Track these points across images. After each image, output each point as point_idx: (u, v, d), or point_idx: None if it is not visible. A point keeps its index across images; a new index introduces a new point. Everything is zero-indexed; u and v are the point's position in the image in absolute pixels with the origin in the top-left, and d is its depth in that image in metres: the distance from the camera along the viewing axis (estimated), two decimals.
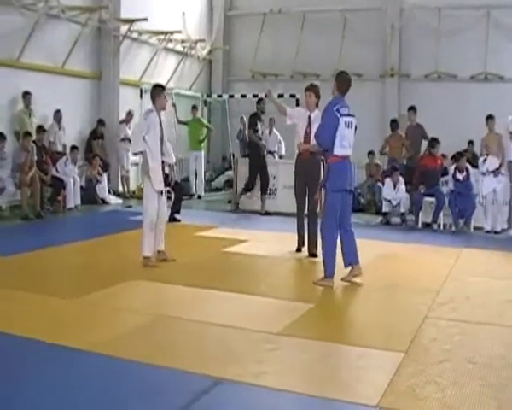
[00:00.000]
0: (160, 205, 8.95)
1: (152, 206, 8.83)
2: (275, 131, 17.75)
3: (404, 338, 5.84)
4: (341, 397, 4.57)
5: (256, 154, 14.55)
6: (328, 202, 7.90)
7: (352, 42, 19.74)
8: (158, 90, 9.08)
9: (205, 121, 19.26)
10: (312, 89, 9.80)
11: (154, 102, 8.92)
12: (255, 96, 19.07)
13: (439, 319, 6.60)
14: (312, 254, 9.67)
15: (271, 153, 17.52)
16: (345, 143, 7.77)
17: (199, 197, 17.98)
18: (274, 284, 8.16)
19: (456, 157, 13.22)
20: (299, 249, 9.98)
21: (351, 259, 7.98)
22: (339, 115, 7.71)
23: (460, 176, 12.99)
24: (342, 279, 7.96)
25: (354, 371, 5.13)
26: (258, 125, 14.54)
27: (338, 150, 7.75)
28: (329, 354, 5.47)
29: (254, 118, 14.60)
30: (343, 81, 8.02)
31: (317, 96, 9.77)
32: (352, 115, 7.93)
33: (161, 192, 8.96)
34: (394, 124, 15.14)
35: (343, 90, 7.99)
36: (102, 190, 15.88)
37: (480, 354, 5.48)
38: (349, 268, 8.06)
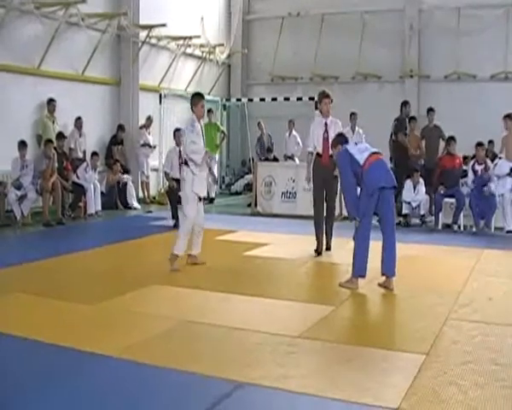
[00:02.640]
0: (199, 208, 9.06)
1: (192, 210, 8.93)
2: (294, 132, 17.81)
3: (425, 340, 5.81)
4: (362, 400, 4.56)
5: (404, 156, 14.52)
6: (365, 204, 7.73)
7: (371, 43, 19.73)
8: (195, 99, 9.24)
9: (220, 126, 19.32)
10: (328, 97, 10.12)
11: (193, 111, 9.11)
12: (274, 99, 19.15)
13: (461, 320, 6.56)
14: (328, 248, 10.16)
15: (290, 157, 17.56)
16: (363, 150, 7.85)
17: (211, 201, 17.93)
18: (295, 286, 8.17)
19: (476, 147, 13.16)
20: (319, 253, 10.00)
21: (387, 269, 7.85)
22: (345, 149, 7.91)
23: (478, 168, 12.92)
24: (379, 284, 7.92)
25: (375, 373, 5.11)
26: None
27: (363, 158, 7.74)
28: (350, 356, 5.46)
29: (404, 122, 14.58)
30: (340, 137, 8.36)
31: (332, 102, 10.13)
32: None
33: (201, 198, 9.12)
34: (413, 121, 15.05)
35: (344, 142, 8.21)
36: (129, 195, 15.97)
37: (503, 356, 5.45)
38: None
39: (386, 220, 7.84)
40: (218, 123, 19.41)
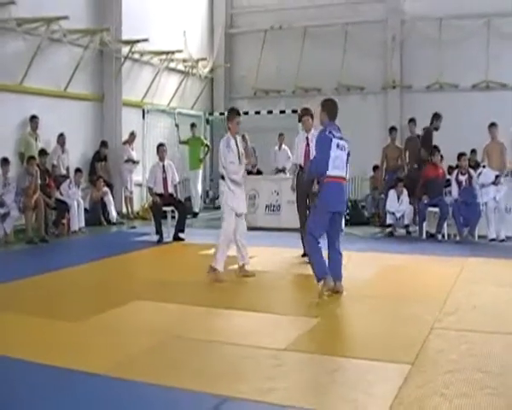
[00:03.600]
0: (238, 223, 9.19)
1: (228, 224, 9.07)
2: (284, 146, 17.86)
3: (410, 350, 5.81)
4: None
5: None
6: (316, 219, 8.08)
7: (354, 55, 19.78)
8: (230, 115, 9.50)
9: (204, 140, 19.33)
10: (308, 113, 10.43)
11: (228, 128, 9.37)
12: (257, 112, 19.17)
13: (446, 329, 6.57)
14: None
15: (282, 170, 17.60)
16: (337, 164, 7.88)
17: (195, 215, 17.95)
18: (279, 299, 8.17)
19: (458, 157, 13.24)
20: (305, 254, 10.18)
21: (336, 275, 8.03)
22: (332, 136, 7.86)
23: (462, 178, 12.99)
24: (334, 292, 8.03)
25: (361, 384, 5.09)
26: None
27: (331, 171, 7.87)
28: (336, 368, 5.44)
29: (429, 136, 14.21)
30: (331, 107, 8.19)
31: (313, 118, 10.22)
32: (345, 140, 8.06)
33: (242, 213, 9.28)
34: (394, 132, 15.07)
35: (333, 116, 8.13)
36: (108, 206, 15.94)
37: (489, 364, 5.45)
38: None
39: (336, 237, 8.20)
40: (202, 137, 19.40)
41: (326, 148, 7.86)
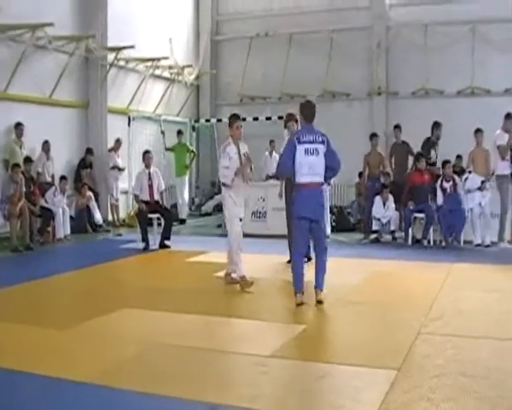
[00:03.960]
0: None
1: (236, 227, 9.13)
2: (275, 154, 17.86)
3: (397, 355, 5.81)
4: None
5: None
6: (295, 235, 8.19)
7: (339, 61, 19.85)
8: (231, 119, 9.37)
9: (190, 146, 19.31)
10: (293, 118, 10.28)
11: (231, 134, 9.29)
12: (243, 119, 19.08)
13: (432, 334, 6.58)
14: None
15: (272, 177, 17.58)
16: (303, 171, 7.75)
17: (182, 222, 17.94)
18: (266, 306, 8.15)
19: (443, 165, 13.28)
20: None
21: (316, 284, 7.99)
22: (297, 143, 7.76)
23: (447, 185, 13.04)
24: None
25: (348, 390, 5.09)
26: (432, 152, 14.15)
27: (298, 178, 7.83)
28: (323, 374, 5.43)
29: (428, 144, 14.19)
30: (306, 109, 8.07)
31: (297, 122, 10.01)
32: (320, 142, 7.82)
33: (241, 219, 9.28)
34: (374, 138, 15.07)
35: (309, 118, 8.02)
36: (93, 211, 15.89)
37: (475, 368, 5.46)
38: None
39: (316, 244, 8.16)
40: (188, 144, 19.38)
41: (287, 153, 7.83)
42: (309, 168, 7.74)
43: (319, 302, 7.83)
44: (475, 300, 8.14)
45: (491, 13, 18.27)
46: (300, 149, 7.74)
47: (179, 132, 18.82)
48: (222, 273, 9.81)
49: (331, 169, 7.96)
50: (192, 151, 19.11)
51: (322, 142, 7.82)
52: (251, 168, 9.34)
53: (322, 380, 5.31)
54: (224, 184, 9.21)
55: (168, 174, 17.74)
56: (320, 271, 7.98)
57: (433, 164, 13.96)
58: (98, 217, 15.99)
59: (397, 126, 15.13)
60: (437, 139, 14.18)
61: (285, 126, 10.92)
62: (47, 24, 14.15)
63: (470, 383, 5.09)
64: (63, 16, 15.65)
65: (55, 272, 10.28)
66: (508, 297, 8.27)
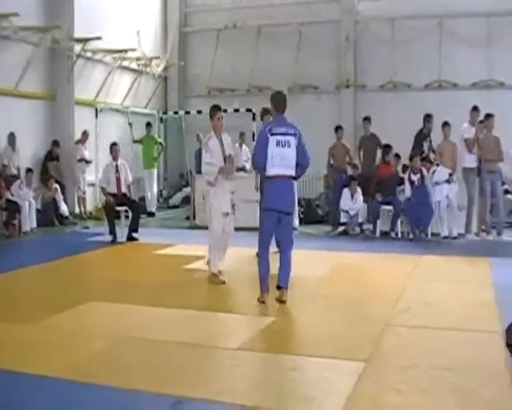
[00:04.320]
0: (225, 225, 9.05)
1: (217, 225, 8.97)
2: (245, 147, 17.84)
3: (365, 347, 5.84)
4: None
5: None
6: (261, 228, 7.90)
7: (308, 54, 19.85)
8: (211, 111, 9.22)
9: (158, 138, 19.20)
10: (270, 112, 9.78)
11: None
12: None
13: (400, 326, 6.63)
14: None
15: (241, 169, 17.54)
16: (275, 162, 7.61)
17: (151, 214, 17.86)
18: (234, 299, 8.16)
19: (410, 158, 13.37)
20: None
21: (279, 282, 7.71)
22: (269, 135, 7.62)
23: (414, 177, 13.12)
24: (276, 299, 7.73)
25: (316, 382, 5.10)
26: (424, 145, 14.04)
27: (269, 170, 7.67)
28: (291, 367, 5.43)
29: (419, 137, 14.09)
30: (278, 100, 7.88)
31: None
32: (292, 134, 7.66)
33: (227, 213, 9.06)
34: (339, 131, 15.08)
35: (280, 109, 7.86)
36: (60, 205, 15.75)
37: (442, 360, 5.50)
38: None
39: (282, 239, 7.97)
40: (156, 136, 19.26)
41: (260, 145, 7.67)
42: (280, 160, 7.61)
43: (282, 302, 7.59)
44: (442, 292, 8.21)
45: (458, 7, 18.39)
46: (272, 140, 7.60)
47: (148, 124, 18.70)
48: (190, 266, 9.79)
49: (300, 166, 7.74)
50: (160, 143, 19.00)
51: (294, 134, 7.67)
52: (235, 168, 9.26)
53: (291, 372, 5.31)
54: (208, 182, 9.05)
55: (136, 167, 17.59)
56: (285, 268, 7.73)
57: (426, 157, 13.92)
58: (64, 209, 15.84)
59: (366, 119, 15.18)
60: (429, 132, 14.11)
61: (262, 119, 10.78)
62: (12, 14, 13.96)
63: (438, 375, 5.13)
64: (29, 6, 15.45)
65: (21, 266, 10.14)
66: (474, 289, 8.35)
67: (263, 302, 7.63)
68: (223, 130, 9.19)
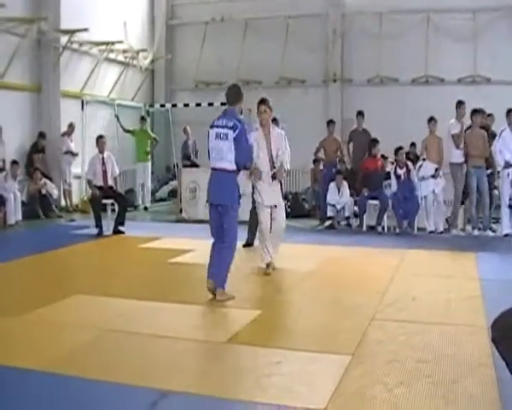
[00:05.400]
0: (274, 217, 9.08)
1: (263, 216, 9.01)
2: None
3: (351, 341, 5.85)
4: (289, 403, 4.55)
5: None
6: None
7: (295, 48, 19.82)
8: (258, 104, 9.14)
9: (152, 133, 19.12)
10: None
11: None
12: (198, 104, 19.00)
13: (386, 320, 6.64)
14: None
15: None
16: (213, 155, 7.60)
17: (145, 209, 17.87)
18: None
19: (395, 152, 13.40)
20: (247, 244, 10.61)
21: (211, 275, 7.67)
22: (210, 128, 7.65)
23: (401, 172, 13.17)
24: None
25: (302, 376, 5.10)
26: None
27: (210, 163, 7.72)
28: (278, 360, 5.43)
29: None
30: (227, 92, 7.83)
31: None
32: (229, 127, 7.47)
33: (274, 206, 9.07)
34: (331, 125, 15.08)
35: (228, 101, 7.80)
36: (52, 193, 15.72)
37: (428, 354, 5.53)
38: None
39: (220, 233, 7.73)
40: (149, 130, 19.16)
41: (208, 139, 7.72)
42: (216, 153, 7.53)
43: (214, 296, 7.51)
44: (429, 286, 8.24)
45: (444, 2, 18.45)
46: (212, 133, 7.59)
47: (142, 118, 18.67)
48: (176, 259, 9.78)
49: (236, 163, 7.56)
50: (154, 138, 18.84)
51: (232, 127, 7.46)
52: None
53: (276, 366, 5.30)
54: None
55: (122, 159, 17.50)
56: (216, 262, 7.65)
57: (408, 153, 13.95)
58: (55, 193, 15.80)
59: (360, 113, 15.08)
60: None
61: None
62: None
63: (423, 368, 5.16)
64: None
65: (6, 259, 10.05)
66: (460, 283, 8.39)
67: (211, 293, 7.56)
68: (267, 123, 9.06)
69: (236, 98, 7.76)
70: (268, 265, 9.00)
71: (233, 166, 7.52)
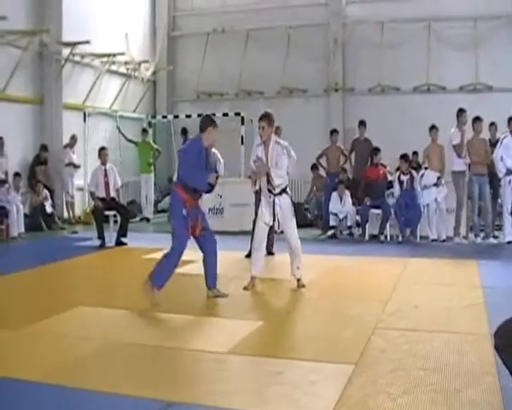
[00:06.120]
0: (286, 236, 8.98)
1: (258, 230, 8.87)
2: (214, 150, 17.68)
3: (353, 350, 5.83)
4: None
5: None
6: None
7: (296, 58, 19.88)
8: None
9: (154, 145, 19.15)
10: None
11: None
12: (200, 115, 18.96)
13: (388, 329, 6.62)
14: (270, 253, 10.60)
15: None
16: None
17: (147, 220, 17.88)
18: (223, 302, 8.10)
19: (400, 160, 13.42)
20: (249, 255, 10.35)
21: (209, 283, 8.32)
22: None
23: (404, 178, 13.17)
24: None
25: (305, 386, 5.08)
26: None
27: None
28: (280, 370, 5.41)
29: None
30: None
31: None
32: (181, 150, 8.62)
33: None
34: (334, 135, 15.08)
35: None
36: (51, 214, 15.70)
37: (431, 362, 5.51)
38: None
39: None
40: (152, 142, 19.19)
41: None
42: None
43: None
44: (431, 294, 8.22)
45: (445, 11, 18.52)
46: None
47: (144, 130, 18.71)
48: (179, 271, 9.73)
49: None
50: (157, 150, 18.86)
51: (181, 150, 8.63)
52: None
53: (279, 376, 5.28)
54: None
55: (124, 171, 17.54)
56: (213, 267, 8.25)
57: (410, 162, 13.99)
58: (49, 209, 15.78)
59: (362, 123, 15.12)
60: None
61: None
62: (0, 17, 13.89)
63: (426, 377, 5.13)
64: (17, 10, 15.40)
65: (9, 271, 10.06)
66: (463, 291, 8.37)
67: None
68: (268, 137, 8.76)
69: (203, 126, 8.18)
70: (252, 278, 8.81)
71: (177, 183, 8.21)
